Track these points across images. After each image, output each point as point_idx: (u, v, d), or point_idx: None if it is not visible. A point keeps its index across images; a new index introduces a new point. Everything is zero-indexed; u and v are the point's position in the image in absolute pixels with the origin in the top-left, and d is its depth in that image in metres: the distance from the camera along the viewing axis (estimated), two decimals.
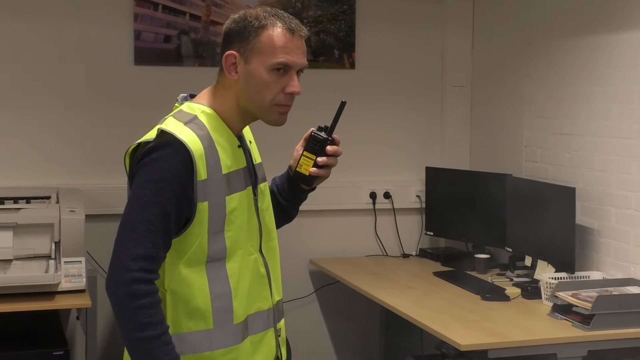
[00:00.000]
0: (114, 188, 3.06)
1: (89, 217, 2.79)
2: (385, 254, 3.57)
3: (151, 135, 1.45)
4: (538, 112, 3.36)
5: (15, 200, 2.95)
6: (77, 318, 3.03)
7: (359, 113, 3.38)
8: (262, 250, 1.58)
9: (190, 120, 1.46)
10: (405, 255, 3.58)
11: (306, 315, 3.58)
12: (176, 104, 1.61)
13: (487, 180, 3.44)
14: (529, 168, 3.43)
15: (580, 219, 2.99)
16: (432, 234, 3.60)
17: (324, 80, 3.39)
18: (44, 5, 3.15)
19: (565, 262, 2.96)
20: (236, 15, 1.51)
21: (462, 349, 2.40)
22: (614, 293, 2.67)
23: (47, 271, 2.65)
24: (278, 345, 1.64)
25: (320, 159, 1.56)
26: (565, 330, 2.56)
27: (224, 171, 1.46)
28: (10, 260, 2.68)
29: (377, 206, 3.56)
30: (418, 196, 3.56)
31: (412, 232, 3.65)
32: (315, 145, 1.57)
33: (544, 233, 3.14)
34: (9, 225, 2.68)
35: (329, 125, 1.59)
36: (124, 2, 3.22)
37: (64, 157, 3.25)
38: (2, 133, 3.18)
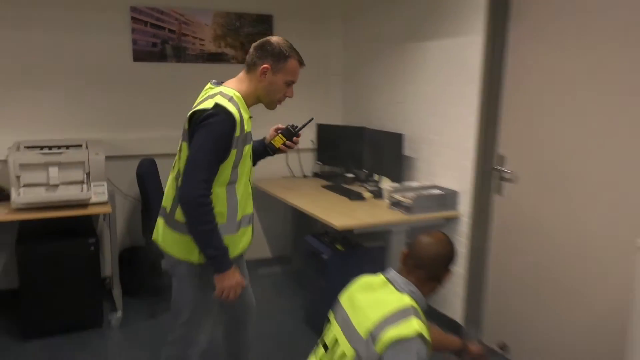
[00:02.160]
0: (122, 139, 3.76)
1: (108, 157, 3.32)
2: (293, 175, 4.28)
3: (208, 105, 1.79)
4: (383, 91, 3.88)
5: (59, 147, 3.28)
6: (104, 219, 3.55)
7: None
8: (249, 179, 2.01)
9: (230, 99, 1.84)
10: (305, 176, 4.28)
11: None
12: (210, 85, 1.96)
13: (353, 130, 3.99)
14: (376, 123, 3.93)
15: (406, 152, 3.56)
16: (321, 163, 4.27)
17: None
18: (74, 22, 3.56)
19: (397, 176, 3.53)
20: (271, 40, 1.92)
21: (338, 229, 2.83)
22: (424, 193, 3.14)
23: (81, 191, 3.15)
24: (252, 235, 2.11)
25: (288, 143, 2.16)
26: (397, 216, 3.05)
27: (246, 131, 1.89)
28: (57, 185, 3.11)
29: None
30: (312, 141, 4.29)
31: (309, 162, 4.39)
32: (288, 133, 2.16)
33: (385, 160, 3.66)
34: (56, 162, 3.11)
35: (298, 125, 2.18)
36: (125, 21, 3.68)
37: (91, 120, 3.71)
38: (52, 105, 3.60)
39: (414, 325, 1.52)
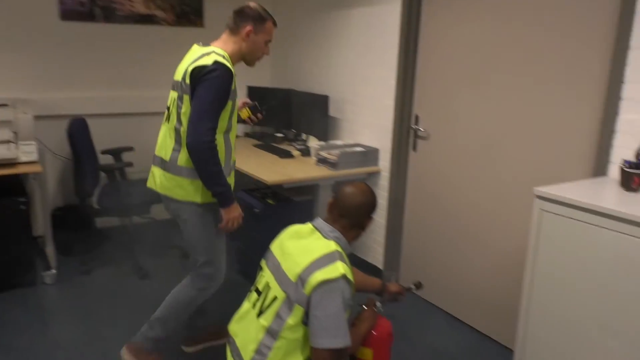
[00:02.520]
0: (52, 99, 3.73)
1: (37, 117, 3.36)
2: None
3: (208, 62, 1.93)
4: (310, 55, 4.01)
5: None
6: (34, 179, 3.36)
7: None
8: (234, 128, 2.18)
9: (224, 57, 2.00)
10: (237, 137, 3.92)
11: None
12: (197, 46, 2.10)
13: (281, 92, 4.03)
14: (304, 86, 4.05)
15: (332, 112, 3.73)
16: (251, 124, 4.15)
17: (185, 34, 4.13)
18: None
19: (324, 135, 3.68)
20: (250, 5, 2.10)
21: (269, 184, 2.94)
22: (348, 151, 3.26)
23: (8, 150, 3.06)
24: (234, 177, 2.27)
25: (252, 117, 2.42)
26: (323, 172, 3.19)
27: (234, 87, 2.06)
28: None
29: None
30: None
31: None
32: (254, 109, 2.43)
33: (312, 121, 3.73)
34: None
35: (262, 104, 2.44)
36: None
37: (19, 79, 3.66)
38: None
39: (339, 268, 1.61)
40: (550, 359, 1.88)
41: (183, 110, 2.00)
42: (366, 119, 3.51)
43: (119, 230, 4.08)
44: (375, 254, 3.58)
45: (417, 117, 3.19)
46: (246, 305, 1.84)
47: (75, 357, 2.58)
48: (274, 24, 2.17)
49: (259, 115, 2.44)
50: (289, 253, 1.73)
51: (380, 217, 3.48)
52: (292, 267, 1.66)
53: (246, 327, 1.77)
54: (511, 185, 2.66)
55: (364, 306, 1.98)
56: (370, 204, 1.82)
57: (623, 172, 1.90)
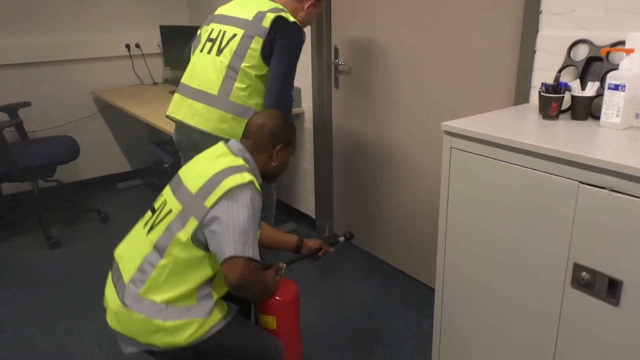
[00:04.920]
0: None
1: None
2: (142, 83, 4.11)
3: (290, 19, 1.98)
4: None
5: None
6: None
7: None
8: None
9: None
10: (155, 83, 4.14)
11: (94, 127, 4.03)
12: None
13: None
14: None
15: None
16: (169, 68, 4.05)
17: None
18: None
19: None
20: None
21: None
22: None
23: None
24: None
25: None
26: None
27: None
28: None
29: (132, 53, 4.03)
30: (159, 45, 4.11)
31: (157, 68, 4.21)
32: None
33: None
34: None
35: None
36: None
37: None
38: None
39: (246, 176, 1.50)
40: (466, 303, 1.72)
41: (252, 46, 1.96)
42: None
43: (24, 196, 3.80)
44: (307, 203, 3.36)
45: (336, 50, 2.87)
46: (137, 226, 1.70)
47: None
48: None
49: None
50: (194, 171, 1.61)
51: (308, 162, 3.24)
52: (196, 180, 1.55)
53: (133, 247, 1.63)
54: (434, 118, 2.41)
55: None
56: (275, 128, 1.68)
57: (541, 97, 1.64)
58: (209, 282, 1.56)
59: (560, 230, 1.37)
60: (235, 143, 1.66)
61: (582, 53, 1.72)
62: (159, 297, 1.51)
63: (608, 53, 1.63)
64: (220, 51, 2.02)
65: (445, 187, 1.71)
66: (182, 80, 2.14)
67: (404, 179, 2.66)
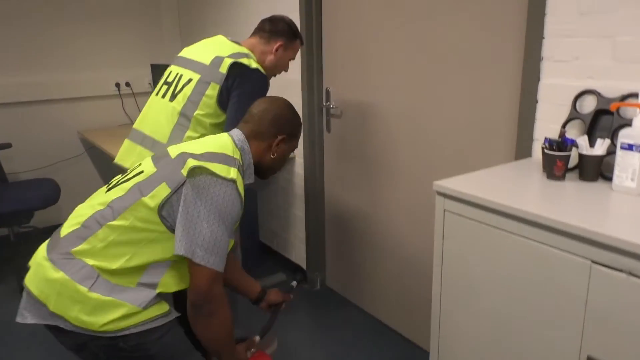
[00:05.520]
0: None
1: None
2: (131, 122, 3.85)
3: (251, 65, 1.83)
4: (221, 27, 3.54)
5: None
6: None
7: (106, 33, 3.73)
8: None
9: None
10: None
11: (79, 168, 3.87)
12: (224, 37, 1.97)
13: None
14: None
15: None
16: None
17: (73, 8, 3.64)
18: None
19: None
20: (285, 19, 2.00)
21: None
22: None
23: None
24: None
25: None
26: None
27: None
28: None
29: (122, 92, 3.91)
30: (150, 83, 3.99)
31: None
32: None
33: None
34: None
35: None
36: None
37: None
38: None
39: (232, 173, 1.33)
40: None
41: (208, 93, 1.82)
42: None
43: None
44: (298, 252, 3.16)
45: (327, 92, 2.72)
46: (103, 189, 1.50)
47: None
48: (302, 42, 2.05)
49: None
50: (186, 145, 1.44)
51: (299, 209, 3.05)
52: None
53: (84, 205, 1.43)
54: (429, 169, 2.22)
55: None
56: (278, 114, 1.50)
57: (544, 154, 1.46)
58: (159, 270, 1.34)
59: (571, 316, 1.17)
60: (237, 133, 1.48)
61: (589, 105, 1.55)
62: (94, 262, 1.29)
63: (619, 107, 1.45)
64: (174, 96, 1.89)
65: (439, 254, 1.52)
66: (134, 125, 2.01)
67: (401, 230, 2.46)
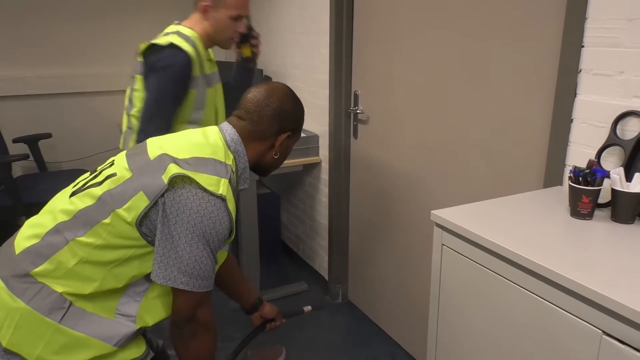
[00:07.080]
0: None
1: None
2: None
3: (163, 42, 1.70)
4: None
5: None
6: None
7: (147, 26, 3.69)
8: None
9: (187, 39, 1.76)
10: None
11: None
12: (172, 25, 1.85)
13: None
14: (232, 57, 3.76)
15: None
16: None
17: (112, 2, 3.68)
18: None
19: None
20: None
21: None
22: None
23: None
24: None
25: (253, 41, 1.97)
26: None
27: (206, 72, 1.83)
28: None
29: None
30: None
31: None
32: (243, 38, 1.95)
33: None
34: None
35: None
36: None
37: None
38: None
39: (222, 187, 1.12)
40: None
41: (136, 88, 1.76)
42: (304, 97, 2.92)
43: None
44: (321, 261, 3.00)
45: (356, 95, 2.52)
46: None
47: None
48: None
49: (253, 40, 1.98)
50: (169, 142, 1.23)
51: (323, 217, 2.88)
52: (159, 149, 1.19)
53: (43, 213, 1.22)
54: (455, 184, 1.99)
55: None
56: (283, 109, 1.26)
57: (570, 186, 1.21)
58: (140, 290, 1.15)
59: None
60: (229, 131, 1.25)
61: (632, 130, 1.28)
62: (62, 287, 1.08)
63: None
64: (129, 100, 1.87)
65: (436, 293, 1.31)
66: None
67: (426, 252, 2.23)
